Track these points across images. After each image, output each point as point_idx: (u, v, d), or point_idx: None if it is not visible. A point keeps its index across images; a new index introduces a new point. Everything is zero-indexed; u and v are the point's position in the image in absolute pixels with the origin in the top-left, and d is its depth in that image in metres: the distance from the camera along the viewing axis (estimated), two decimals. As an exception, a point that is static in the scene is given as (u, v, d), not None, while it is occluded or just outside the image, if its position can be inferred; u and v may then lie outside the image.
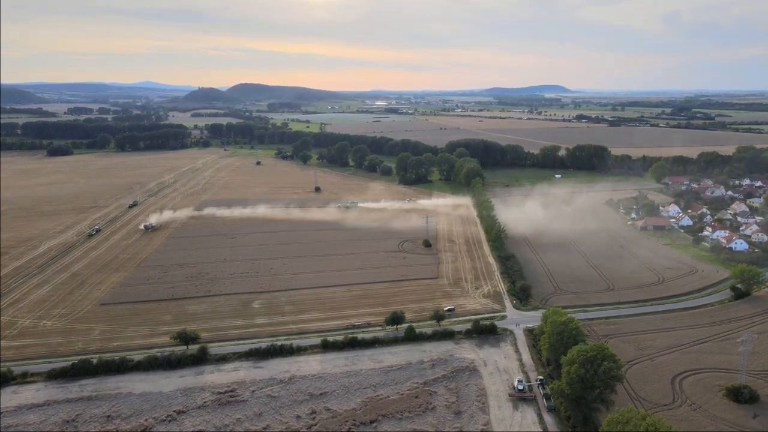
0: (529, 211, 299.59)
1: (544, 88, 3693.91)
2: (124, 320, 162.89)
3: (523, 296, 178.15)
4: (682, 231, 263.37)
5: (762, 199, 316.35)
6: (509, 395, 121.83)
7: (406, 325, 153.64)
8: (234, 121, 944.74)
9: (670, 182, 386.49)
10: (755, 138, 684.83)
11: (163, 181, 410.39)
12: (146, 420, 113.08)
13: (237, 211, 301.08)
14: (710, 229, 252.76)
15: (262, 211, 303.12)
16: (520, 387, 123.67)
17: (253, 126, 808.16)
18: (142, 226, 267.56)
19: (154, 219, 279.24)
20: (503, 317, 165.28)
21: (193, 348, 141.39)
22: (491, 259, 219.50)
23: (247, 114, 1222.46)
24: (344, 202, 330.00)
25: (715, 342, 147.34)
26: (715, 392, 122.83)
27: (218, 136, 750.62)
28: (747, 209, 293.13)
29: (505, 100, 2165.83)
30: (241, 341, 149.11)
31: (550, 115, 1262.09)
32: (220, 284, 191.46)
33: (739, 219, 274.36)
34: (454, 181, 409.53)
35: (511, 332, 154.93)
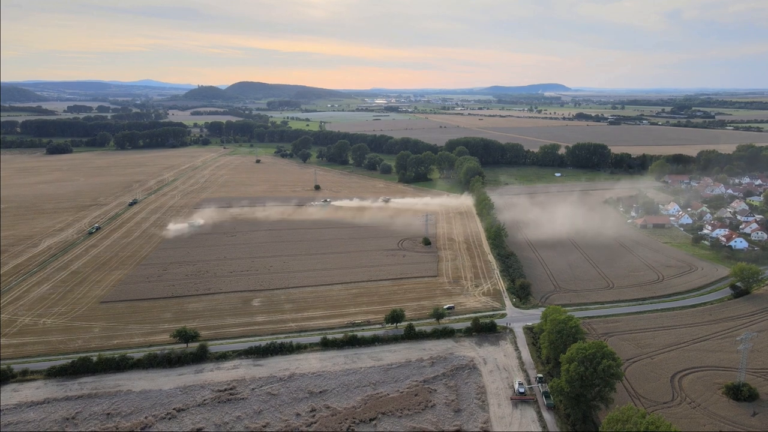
0: (528, 209, 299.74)
1: (544, 87, 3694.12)
2: (124, 318, 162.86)
3: (522, 294, 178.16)
4: (682, 229, 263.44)
5: (762, 198, 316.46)
6: (510, 398, 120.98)
7: (406, 323, 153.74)
8: (233, 119, 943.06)
9: (669, 180, 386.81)
10: (755, 136, 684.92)
11: (163, 179, 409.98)
12: (146, 418, 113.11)
13: (270, 211, 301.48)
14: (710, 228, 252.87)
15: (261, 211, 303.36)
16: (521, 390, 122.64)
17: (252, 124, 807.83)
18: (186, 224, 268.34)
19: (200, 218, 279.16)
20: (503, 315, 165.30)
21: (193, 346, 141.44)
22: (491, 258, 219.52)
23: (246, 112, 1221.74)
24: (318, 200, 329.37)
25: (715, 340, 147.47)
26: (714, 390, 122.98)
27: (218, 134, 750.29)
28: (747, 207, 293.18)
29: (505, 99, 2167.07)
30: (241, 339, 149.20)
31: (550, 113, 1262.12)
32: (219, 282, 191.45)
33: (738, 217, 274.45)
34: (453, 179, 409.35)
35: (511, 330, 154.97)
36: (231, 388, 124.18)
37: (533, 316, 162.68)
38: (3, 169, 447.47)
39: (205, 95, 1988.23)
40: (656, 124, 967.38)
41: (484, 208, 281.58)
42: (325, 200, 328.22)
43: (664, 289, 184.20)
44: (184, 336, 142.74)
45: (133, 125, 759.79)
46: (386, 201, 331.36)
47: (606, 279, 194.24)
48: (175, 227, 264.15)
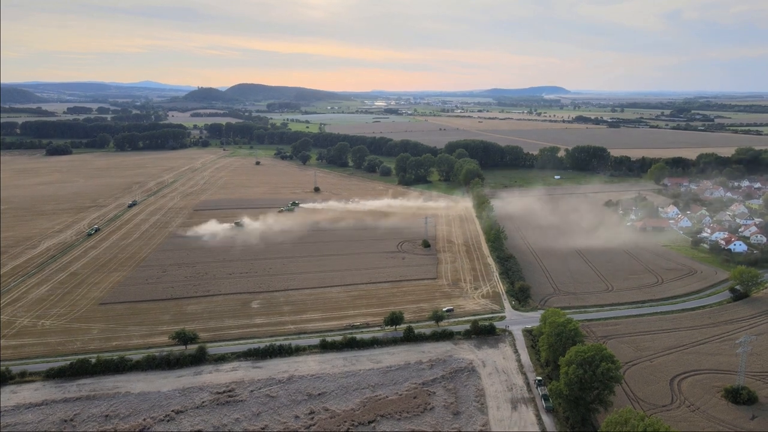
0: (528, 212, 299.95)
1: (544, 89, 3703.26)
2: (123, 320, 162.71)
3: (522, 297, 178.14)
4: (681, 232, 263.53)
5: (761, 201, 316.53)
6: None
7: (405, 325, 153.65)
8: (233, 121, 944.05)
9: (669, 183, 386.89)
10: (754, 140, 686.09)
11: (163, 181, 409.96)
12: (144, 420, 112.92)
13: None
14: (709, 231, 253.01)
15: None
16: None
17: (252, 126, 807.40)
18: (233, 223, 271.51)
19: (244, 219, 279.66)
20: (502, 318, 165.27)
21: (192, 348, 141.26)
22: (490, 260, 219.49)
23: (246, 114, 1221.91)
24: (286, 203, 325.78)
25: (714, 343, 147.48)
26: (713, 393, 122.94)
27: (217, 136, 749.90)
28: (746, 211, 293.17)
29: (504, 101, 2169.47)
30: (240, 341, 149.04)
31: (550, 116, 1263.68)
32: (218, 284, 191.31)
33: (738, 220, 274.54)
34: (453, 181, 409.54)
35: (510, 333, 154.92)
36: (230, 390, 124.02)
37: (532, 318, 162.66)
38: (3, 171, 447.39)
39: (204, 97, 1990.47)
40: (656, 127, 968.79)
41: (483, 210, 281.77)
42: (293, 202, 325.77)
43: (663, 292, 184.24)
44: (183, 338, 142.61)
45: (132, 127, 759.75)
46: (353, 202, 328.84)
47: (605, 282, 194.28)
48: (216, 227, 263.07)
